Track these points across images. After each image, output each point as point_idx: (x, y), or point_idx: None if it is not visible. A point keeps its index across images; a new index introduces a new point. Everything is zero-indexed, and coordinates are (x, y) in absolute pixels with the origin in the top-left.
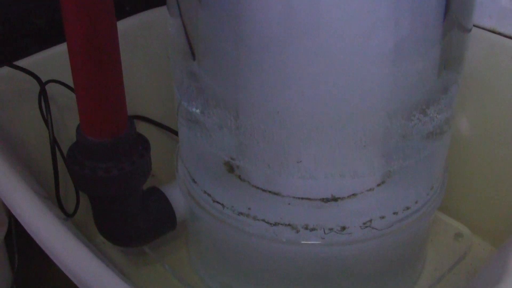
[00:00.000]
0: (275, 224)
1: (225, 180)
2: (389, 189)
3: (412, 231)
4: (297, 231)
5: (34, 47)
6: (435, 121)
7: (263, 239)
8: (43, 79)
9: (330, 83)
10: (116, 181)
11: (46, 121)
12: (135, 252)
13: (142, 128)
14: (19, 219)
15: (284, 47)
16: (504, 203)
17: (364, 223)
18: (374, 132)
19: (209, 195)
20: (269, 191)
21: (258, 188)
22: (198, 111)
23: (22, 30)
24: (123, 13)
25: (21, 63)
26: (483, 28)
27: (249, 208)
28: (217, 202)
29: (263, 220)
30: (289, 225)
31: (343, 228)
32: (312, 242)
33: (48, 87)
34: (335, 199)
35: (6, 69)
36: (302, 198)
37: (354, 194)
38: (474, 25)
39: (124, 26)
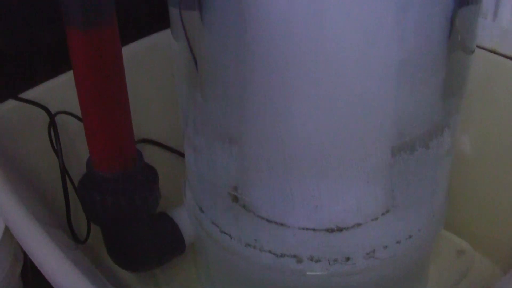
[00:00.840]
0: (281, 255)
1: (230, 211)
2: (392, 218)
3: (414, 255)
4: (303, 262)
5: (44, 66)
6: (438, 153)
7: (269, 270)
8: (53, 109)
9: (333, 118)
10: (125, 212)
11: (56, 152)
12: (145, 274)
13: (150, 150)
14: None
15: (287, 76)
16: (506, 220)
17: (367, 253)
18: (377, 168)
19: (216, 225)
20: (274, 222)
21: (263, 218)
22: (202, 139)
23: (31, 49)
24: (128, 38)
25: (30, 93)
26: (484, 49)
27: (255, 239)
28: (225, 233)
29: (269, 251)
30: (294, 256)
31: (347, 259)
32: (317, 273)
33: (58, 116)
34: (339, 229)
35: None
36: (307, 229)
37: (358, 224)
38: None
39: (129, 51)
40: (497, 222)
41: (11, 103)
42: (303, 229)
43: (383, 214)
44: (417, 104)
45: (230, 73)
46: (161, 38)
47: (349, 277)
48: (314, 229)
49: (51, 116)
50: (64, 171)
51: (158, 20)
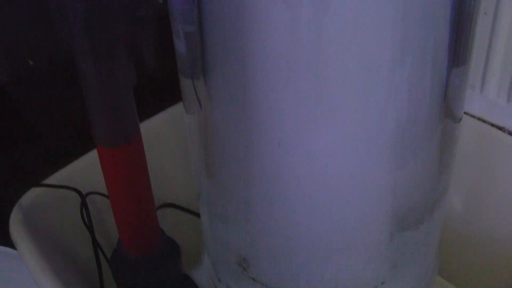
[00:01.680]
0: None
1: (242, 281)
2: (392, 285)
3: None
4: None
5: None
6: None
7: None
8: (83, 188)
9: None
10: (153, 284)
11: (88, 228)
12: None
13: (171, 213)
14: None
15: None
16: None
17: None
18: (378, 248)
19: None
20: None
21: None
22: (213, 211)
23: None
24: (148, 111)
25: (61, 174)
26: (473, 116)
27: None
28: None
29: None
30: None
31: None
32: None
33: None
34: None
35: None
36: None
37: None
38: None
39: (150, 124)
40: (488, 273)
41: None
42: None
43: (382, 283)
44: (414, 183)
45: (232, 152)
46: (179, 111)
47: None
48: None
49: (82, 197)
50: (96, 246)
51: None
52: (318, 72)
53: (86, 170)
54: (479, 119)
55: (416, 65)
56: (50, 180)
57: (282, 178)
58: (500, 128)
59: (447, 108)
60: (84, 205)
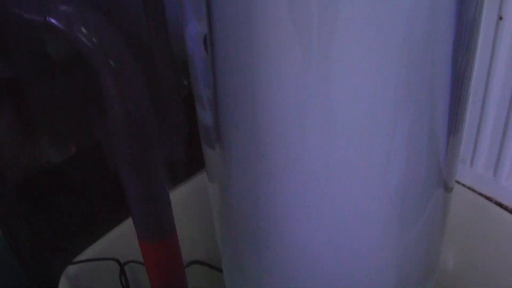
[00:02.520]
0: None
1: None
2: None
3: None
4: None
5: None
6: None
7: None
8: (121, 256)
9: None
10: None
11: None
12: None
13: (200, 270)
14: None
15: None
16: None
17: None
18: None
19: None
20: None
21: None
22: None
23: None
24: (177, 180)
25: (99, 244)
26: (463, 185)
27: None
28: None
29: None
30: None
31: None
32: None
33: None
34: None
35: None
36: None
37: None
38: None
39: (178, 193)
40: None
41: (84, 256)
42: None
43: None
44: (412, 252)
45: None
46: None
47: None
48: None
49: (121, 267)
50: None
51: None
52: (326, 158)
53: (123, 239)
54: (469, 188)
55: (415, 134)
56: (90, 251)
57: (284, 251)
58: (488, 198)
59: (441, 176)
60: (123, 274)
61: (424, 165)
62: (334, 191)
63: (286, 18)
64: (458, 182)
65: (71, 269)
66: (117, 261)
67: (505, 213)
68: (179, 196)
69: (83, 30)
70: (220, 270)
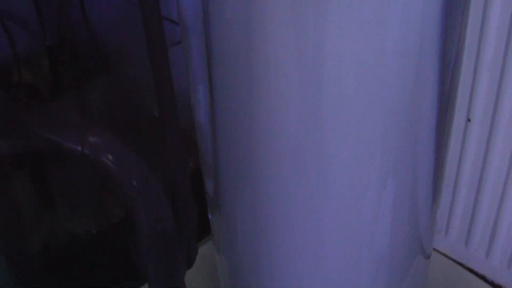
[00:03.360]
0: None
1: None
2: None
3: None
4: None
5: None
6: None
7: None
8: None
9: None
10: None
11: None
12: None
13: None
14: None
15: None
16: None
17: None
18: None
19: None
20: None
21: None
22: None
23: None
24: None
25: None
26: (439, 252)
27: None
28: None
29: None
30: None
31: None
32: None
33: None
34: None
35: None
36: None
37: None
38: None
39: None
40: None
41: None
42: None
43: None
44: None
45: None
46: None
47: None
48: None
49: None
50: None
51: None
52: (318, 227)
53: None
54: (444, 255)
55: (399, 205)
56: None
57: None
58: (461, 264)
59: (421, 243)
60: None
61: (407, 232)
62: (327, 250)
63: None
64: (435, 249)
65: None
66: None
67: (474, 278)
68: None
69: (109, 157)
70: None
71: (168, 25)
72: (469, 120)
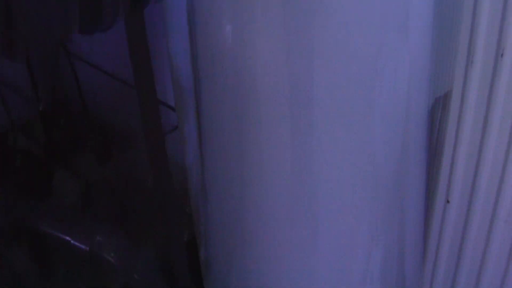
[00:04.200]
0: None
1: None
2: None
3: None
4: None
5: None
6: None
7: None
8: None
9: None
10: None
11: None
12: None
13: None
14: None
15: None
16: None
17: None
18: None
19: None
20: None
21: None
22: None
23: None
24: None
25: None
26: None
27: None
28: None
29: None
30: None
31: None
32: None
33: None
34: None
35: None
36: None
37: None
38: None
39: None
40: None
41: None
42: None
43: None
44: None
45: None
46: None
47: None
48: None
49: None
50: None
51: None
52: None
53: None
54: None
55: (387, 264)
56: None
57: None
58: None
59: None
60: None
61: None
62: None
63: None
64: None
65: None
66: None
67: None
68: None
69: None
70: None
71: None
72: (447, 201)
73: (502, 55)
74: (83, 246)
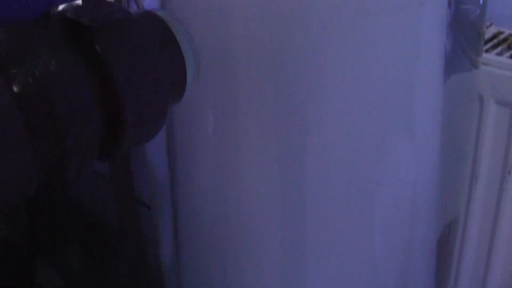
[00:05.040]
0: None
1: None
2: None
3: None
4: None
5: None
6: None
7: None
8: None
9: None
10: None
11: None
12: None
13: None
14: None
15: None
16: None
17: None
18: None
19: None
20: None
21: None
22: None
23: None
24: None
25: None
26: None
27: None
28: None
29: None
30: None
31: None
32: None
33: None
34: None
35: None
36: None
37: None
38: None
39: None
40: None
41: None
42: None
43: None
44: None
45: None
46: None
47: None
48: None
49: None
50: None
51: None
52: None
53: None
54: None
55: None
56: None
57: None
58: None
59: None
60: None
61: None
62: None
63: None
64: None
65: None
66: None
67: None
68: None
69: None
70: None
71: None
72: None
73: (509, 172)
74: None
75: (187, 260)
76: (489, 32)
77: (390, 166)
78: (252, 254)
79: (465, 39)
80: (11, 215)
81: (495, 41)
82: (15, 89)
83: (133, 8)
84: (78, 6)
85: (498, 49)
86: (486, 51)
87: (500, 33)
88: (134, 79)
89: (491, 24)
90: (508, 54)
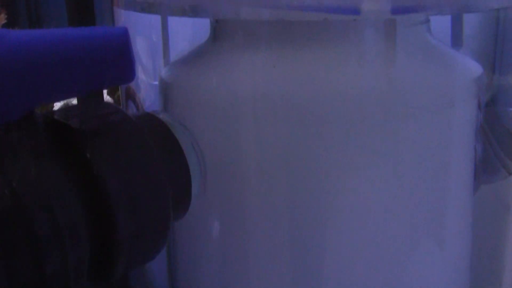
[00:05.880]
0: None
1: None
2: None
3: None
4: None
5: None
6: None
7: None
8: None
9: None
10: None
11: None
12: None
13: None
14: None
15: None
16: None
17: None
18: None
19: None
20: None
21: None
22: None
23: None
24: None
25: None
26: None
27: None
28: None
29: None
30: None
31: None
32: None
33: None
34: None
35: None
36: None
37: None
38: None
39: None
40: None
41: None
42: None
43: None
44: None
45: None
46: None
47: None
48: None
49: None
50: None
51: None
52: None
53: None
54: None
55: None
56: None
57: None
58: None
59: None
60: None
61: None
62: None
63: None
64: None
65: None
66: None
67: None
68: None
69: None
70: None
71: None
72: None
73: None
74: None
75: None
76: None
77: (418, 278)
78: None
79: (499, 143)
80: None
81: None
82: None
83: (132, 110)
84: (68, 107)
85: None
86: None
87: None
88: (130, 194)
89: None
90: None
